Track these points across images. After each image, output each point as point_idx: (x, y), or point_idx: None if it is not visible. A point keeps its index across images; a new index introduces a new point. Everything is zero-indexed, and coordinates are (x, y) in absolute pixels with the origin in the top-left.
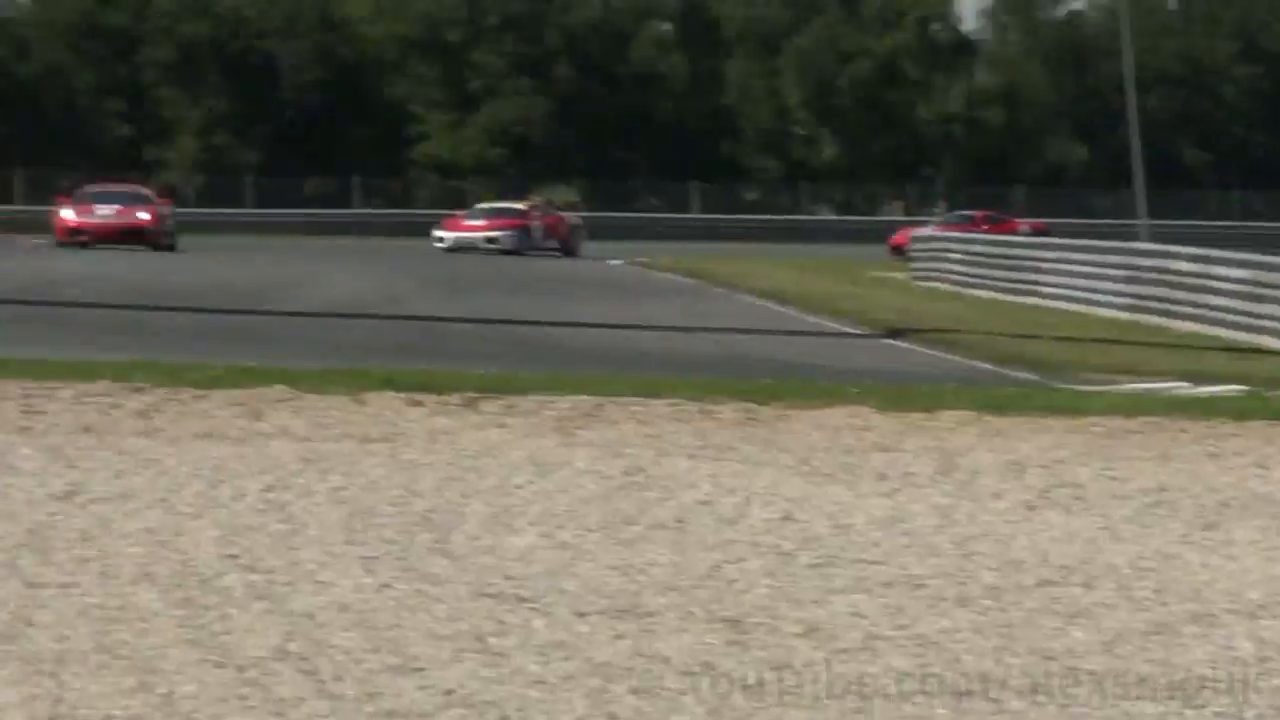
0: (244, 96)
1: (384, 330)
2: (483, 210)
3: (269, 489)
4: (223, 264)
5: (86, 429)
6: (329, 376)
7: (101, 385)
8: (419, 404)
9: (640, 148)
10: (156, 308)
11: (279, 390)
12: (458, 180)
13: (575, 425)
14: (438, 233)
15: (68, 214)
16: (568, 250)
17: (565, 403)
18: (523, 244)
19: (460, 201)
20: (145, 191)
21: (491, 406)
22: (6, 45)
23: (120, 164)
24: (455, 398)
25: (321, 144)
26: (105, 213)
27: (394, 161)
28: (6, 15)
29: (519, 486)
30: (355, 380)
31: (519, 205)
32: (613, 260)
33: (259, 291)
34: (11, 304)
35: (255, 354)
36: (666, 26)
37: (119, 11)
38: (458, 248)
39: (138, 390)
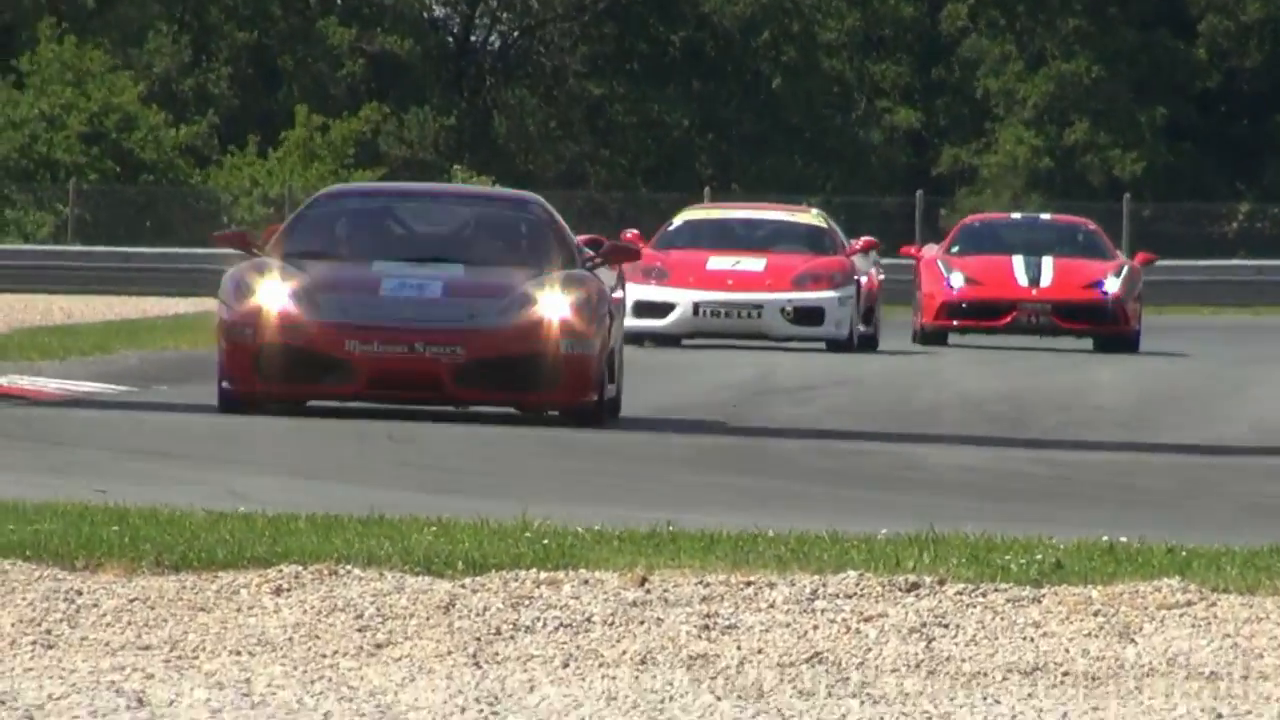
0: None
1: None
2: (745, 227)
3: None
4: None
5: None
6: (1257, 560)
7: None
8: None
9: None
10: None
11: (1167, 586)
12: None
13: None
14: (654, 292)
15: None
16: (870, 335)
17: None
18: (844, 324)
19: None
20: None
21: None
22: None
23: None
24: None
25: None
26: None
27: None
28: None
29: None
30: None
31: (810, 215)
32: None
33: (1160, 407)
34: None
35: (1137, 519)
36: None
37: None
38: (692, 331)
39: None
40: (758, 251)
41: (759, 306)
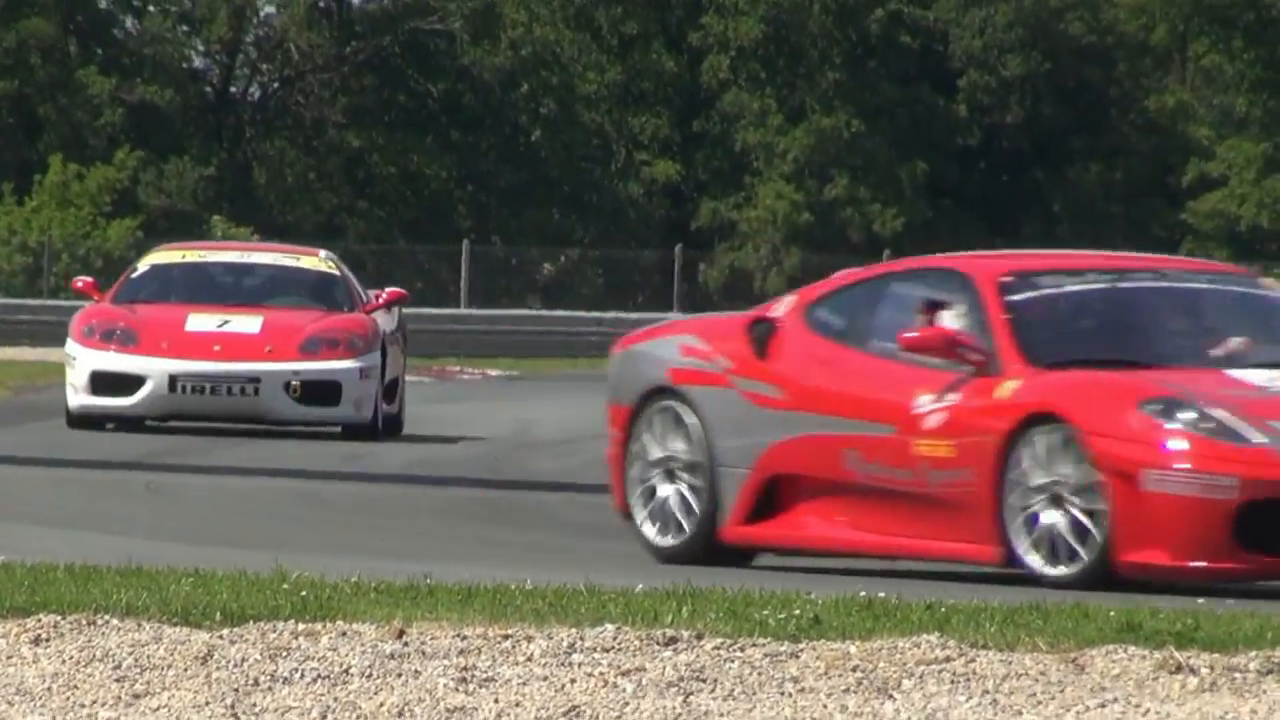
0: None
1: None
2: (233, 274)
3: None
4: None
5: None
6: (1016, 617)
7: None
8: (1179, 670)
9: None
10: None
11: (926, 642)
12: (1248, 254)
13: None
14: (117, 360)
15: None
16: (394, 415)
17: None
18: (366, 403)
19: None
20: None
21: None
22: None
23: None
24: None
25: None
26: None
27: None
28: None
29: None
30: (1023, 624)
31: (317, 260)
32: None
33: None
34: None
35: (896, 574)
36: None
37: None
38: (168, 412)
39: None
40: (252, 307)
41: (255, 380)
